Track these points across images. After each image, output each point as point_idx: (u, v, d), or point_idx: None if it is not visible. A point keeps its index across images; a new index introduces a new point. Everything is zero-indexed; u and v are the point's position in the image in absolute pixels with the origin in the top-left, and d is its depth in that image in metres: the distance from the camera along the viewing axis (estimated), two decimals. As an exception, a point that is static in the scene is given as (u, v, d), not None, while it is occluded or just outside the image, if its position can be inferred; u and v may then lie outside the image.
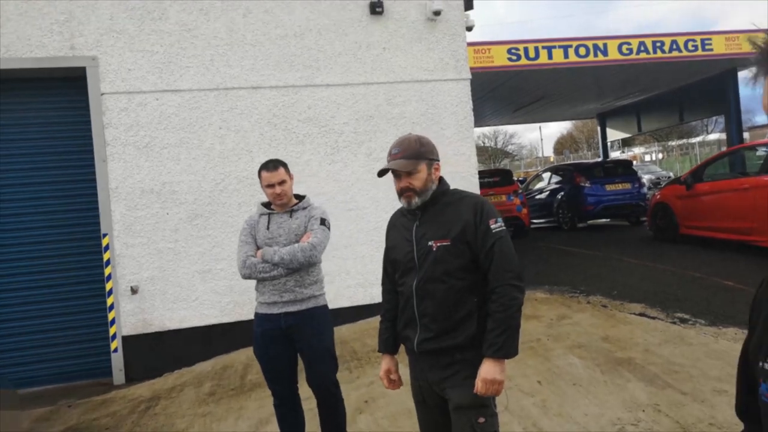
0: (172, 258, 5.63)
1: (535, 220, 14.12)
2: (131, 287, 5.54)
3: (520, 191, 12.40)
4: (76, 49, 5.47)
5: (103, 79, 5.52)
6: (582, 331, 5.17)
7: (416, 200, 2.14)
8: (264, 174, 3.01)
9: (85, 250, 5.63)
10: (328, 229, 3.08)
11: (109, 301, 5.52)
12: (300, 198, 3.18)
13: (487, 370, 2.00)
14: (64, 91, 5.64)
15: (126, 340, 5.57)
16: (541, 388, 4.02)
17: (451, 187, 2.25)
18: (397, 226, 2.29)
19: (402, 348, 2.32)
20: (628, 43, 10.14)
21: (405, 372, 2.32)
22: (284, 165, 3.07)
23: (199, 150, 5.73)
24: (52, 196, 5.60)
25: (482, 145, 47.95)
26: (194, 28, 5.74)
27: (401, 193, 2.17)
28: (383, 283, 2.38)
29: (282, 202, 3.04)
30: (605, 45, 10.08)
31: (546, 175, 14.84)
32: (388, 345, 2.33)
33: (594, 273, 7.57)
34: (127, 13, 5.59)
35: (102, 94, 5.51)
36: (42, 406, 5.02)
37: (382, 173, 2.16)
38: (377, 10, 6.08)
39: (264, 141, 5.86)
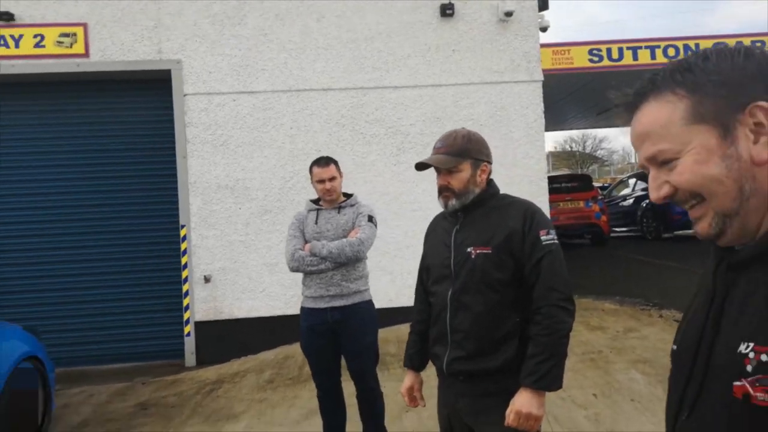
0: (242, 250, 5.92)
1: (616, 229, 13.50)
2: (204, 276, 5.88)
3: (600, 197, 11.90)
4: (163, 53, 5.90)
5: (186, 81, 5.90)
6: (649, 345, 4.91)
7: (453, 202, 1.94)
8: (315, 169, 3.11)
9: (165, 239, 6.05)
10: (375, 226, 3.15)
11: (184, 288, 5.90)
12: (348, 196, 3.26)
13: (523, 401, 1.75)
14: (150, 92, 6.09)
15: (198, 325, 5.92)
16: (596, 401, 3.88)
17: (509, 192, 2.04)
18: (437, 230, 2.10)
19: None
20: (723, 44, 9.44)
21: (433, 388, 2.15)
22: (335, 162, 3.16)
23: (270, 149, 5.99)
24: (137, 189, 6.06)
25: (569, 149, 46.32)
26: (270, 32, 6.01)
27: (439, 192, 1.98)
28: (416, 292, 2.19)
29: (331, 198, 3.14)
30: (697, 45, 9.45)
31: (631, 182, 14.13)
32: (414, 360, 2.14)
33: (671, 285, 7.14)
34: (210, 18, 5.95)
35: (185, 95, 5.90)
36: (120, 382, 5.45)
37: (420, 167, 1.98)
38: (448, 12, 6.08)
39: (332, 141, 6.03)
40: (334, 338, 3.11)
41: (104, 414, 4.59)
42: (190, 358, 5.90)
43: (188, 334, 5.92)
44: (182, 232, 5.88)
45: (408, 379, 2.15)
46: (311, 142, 6.02)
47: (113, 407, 4.75)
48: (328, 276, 3.06)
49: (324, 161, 3.13)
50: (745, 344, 0.72)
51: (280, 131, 6.01)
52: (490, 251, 1.87)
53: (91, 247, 6.01)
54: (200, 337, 5.92)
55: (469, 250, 1.91)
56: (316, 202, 3.25)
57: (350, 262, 3.05)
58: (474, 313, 1.87)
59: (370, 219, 3.12)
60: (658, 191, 0.81)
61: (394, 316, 5.35)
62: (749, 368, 0.70)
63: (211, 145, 5.92)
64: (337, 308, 3.07)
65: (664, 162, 0.79)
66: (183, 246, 5.89)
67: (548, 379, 1.76)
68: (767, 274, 0.75)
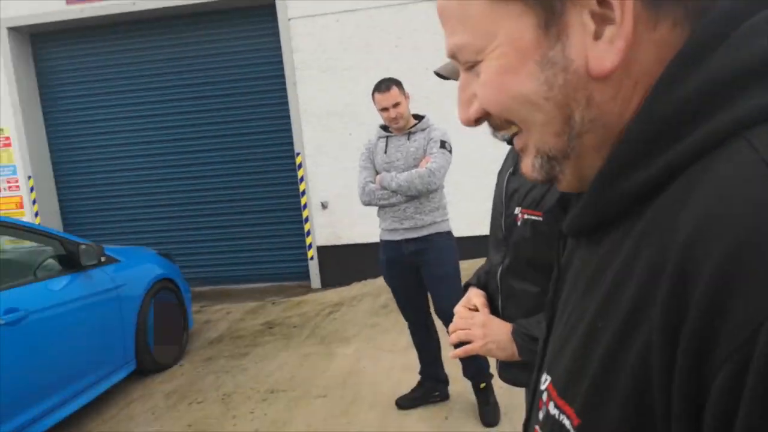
0: (355, 176, 5.92)
1: None
2: (321, 203, 6.04)
3: None
4: (266, -22, 5.84)
5: (289, 4, 5.82)
6: None
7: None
8: (376, 96, 2.87)
9: (283, 167, 6.27)
10: (450, 152, 2.87)
11: (304, 214, 6.13)
12: (419, 118, 2.99)
13: (497, 328, 1.30)
14: (256, 19, 6.11)
15: (320, 250, 6.18)
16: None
17: None
18: (502, 171, 1.48)
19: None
20: None
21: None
22: (398, 84, 2.86)
23: (376, 71, 5.77)
24: (254, 119, 6.27)
25: None
26: (370, -59, 5.63)
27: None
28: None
29: (398, 126, 2.90)
30: None
31: None
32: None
33: None
34: (308, -65, 5.72)
35: (289, 20, 5.84)
36: (255, 301, 5.95)
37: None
38: None
39: (439, 58, 5.63)
40: (415, 271, 2.99)
41: (236, 330, 5.05)
42: (315, 280, 6.23)
43: (312, 258, 6.21)
44: (298, 160, 6.04)
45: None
46: (416, 59, 5.69)
47: (244, 325, 5.20)
48: (401, 209, 2.89)
49: (384, 86, 2.85)
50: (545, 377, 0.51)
51: (384, 51, 5.75)
52: (540, 218, 1.28)
53: (217, 176, 6.42)
54: (323, 261, 6.19)
55: (516, 211, 1.34)
56: (385, 128, 3.04)
57: (422, 195, 2.85)
58: (524, 308, 1.31)
59: (443, 145, 2.84)
60: (465, 109, 0.52)
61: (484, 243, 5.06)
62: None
63: (318, 71, 5.87)
64: (412, 240, 2.91)
65: (469, 65, 0.50)
66: (300, 173, 6.06)
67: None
68: (593, 253, 0.49)
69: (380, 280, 5.92)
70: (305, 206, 6.11)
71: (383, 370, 3.84)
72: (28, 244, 4.07)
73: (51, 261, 3.54)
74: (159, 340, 4.16)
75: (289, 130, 6.05)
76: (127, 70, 6.37)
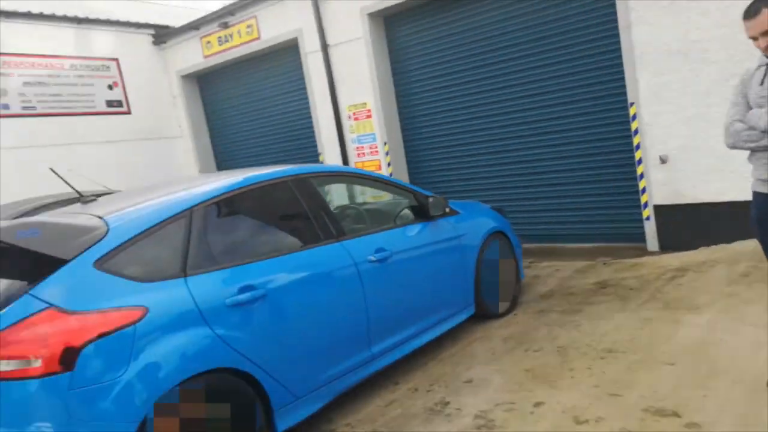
0: (703, 126, 5.14)
1: None
2: (660, 157, 5.44)
3: None
4: None
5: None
6: None
7: None
8: (745, 23, 2.34)
9: (614, 120, 5.83)
10: None
11: (639, 170, 5.62)
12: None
13: None
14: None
15: (657, 209, 5.60)
16: None
17: None
18: None
19: None
20: None
21: None
22: None
23: (734, -6, 4.84)
24: (581, 71, 5.95)
25: None
26: None
27: None
28: None
29: (772, 56, 2.31)
30: None
31: None
32: None
33: None
34: None
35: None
36: (583, 260, 5.77)
37: None
38: None
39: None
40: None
41: (567, 288, 4.99)
42: (652, 242, 5.69)
43: (648, 218, 5.68)
44: (631, 111, 5.53)
45: None
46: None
47: (575, 282, 5.10)
48: (773, 155, 2.35)
49: (752, 10, 2.30)
50: None
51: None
52: None
53: (546, 133, 6.35)
54: (660, 222, 5.60)
55: None
56: (769, 55, 2.47)
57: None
58: None
59: None
60: None
61: None
62: None
63: (658, 8, 5.22)
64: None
65: None
66: (633, 125, 5.55)
67: None
68: None
69: (737, 246, 5.09)
70: (640, 161, 5.59)
71: (746, 344, 3.28)
72: (385, 198, 4.75)
73: (406, 211, 4.05)
74: (493, 289, 4.40)
75: (621, 79, 5.57)
76: (461, 40, 6.79)
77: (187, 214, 2.76)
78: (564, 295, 4.81)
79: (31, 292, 2.23)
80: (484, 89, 6.71)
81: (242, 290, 2.74)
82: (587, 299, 4.60)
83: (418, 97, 7.35)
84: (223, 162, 10.18)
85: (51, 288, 2.26)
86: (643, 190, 5.64)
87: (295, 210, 3.31)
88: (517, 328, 4.21)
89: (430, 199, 3.96)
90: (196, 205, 2.82)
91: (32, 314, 2.18)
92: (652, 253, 5.63)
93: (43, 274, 2.28)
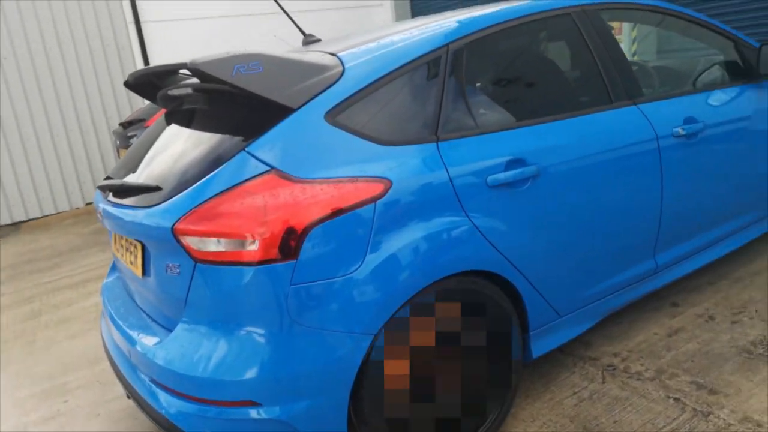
0: None
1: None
2: None
3: None
4: None
5: None
6: None
7: None
8: None
9: None
10: None
11: None
12: None
13: None
14: None
15: None
16: None
17: None
18: None
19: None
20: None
21: None
22: None
23: None
24: None
25: None
26: None
27: None
28: None
29: None
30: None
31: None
32: None
33: None
34: None
35: None
36: None
37: None
38: None
39: None
40: None
41: None
42: None
43: None
44: None
45: None
46: None
47: None
48: None
49: None
50: None
51: None
52: None
53: None
54: None
55: None
56: None
57: None
58: None
59: None
60: None
61: None
62: None
63: None
64: None
65: None
66: None
67: None
68: None
69: None
70: None
71: None
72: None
73: (715, 69, 2.82)
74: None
75: None
76: None
77: (443, 51, 1.93)
78: None
79: (247, 148, 1.63)
80: None
81: (510, 165, 1.92)
82: None
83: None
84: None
85: (273, 145, 1.64)
86: None
87: (579, 56, 2.31)
88: None
89: (765, 48, 2.65)
90: (454, 40, 1.97)
91: (249, 179, 1.59)
92: None
93: (264, 126, 1.66)
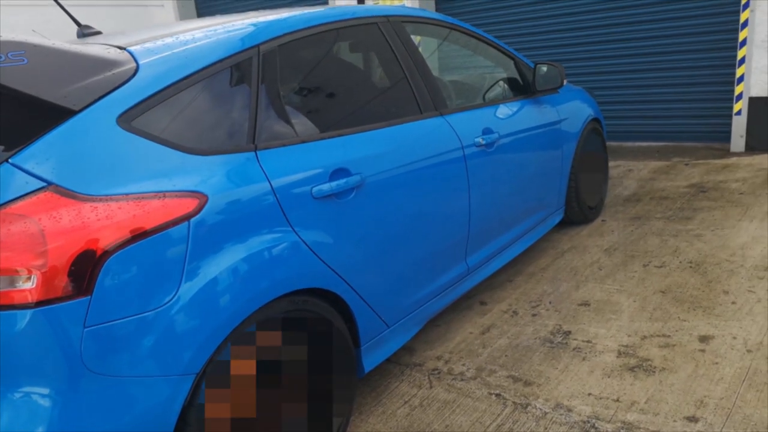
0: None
1: None
2: (772, 37, 4.51)
3: None
4: None
5: None
6: None
7: None
8: None
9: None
10: None
11: (740, 53, 4.69)
12: None
13: None
14: None
15: (753, 102, 4.75)
16: None
17: None
18: None
19: None
20: None
21: None
22: None
23: None
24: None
25: None
26: None
27: None
28: None
29: None
30: None
31: None
32: None
33: None
34: None
35: None
36: (653, 161, 4.97)
37: None
38: None
39: None
40: None
41: (655, 191, 4.20)
42: (737, 141, 4.89)
43: (738, 113, 4.84)
44: (746, -22, 4.52)
45: None
46: None
47: (662, 185, 4.31)
48: None
49: None
50: None
51: None
52: None
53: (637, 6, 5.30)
54: (753, 117, 4.78)
55: None
56: None
57: None
58: None
59: None
60: None
61: None
62: None
63: None
64: None
65: None
66: (744, -2, 4.57)
67: None
68: None
69: None
70: (743, 43, 4.65)
71: None
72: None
73: (499, 86, 3.09)
74: (586, 187, 3.58)
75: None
76: None
77: (254, 53, 1.76)
78: (656, 199, 4.04)
79: (12, 159, 1.27)
80: None
81: (334, 175, 1.82)
82: (690, 204, 3.83)
83: None
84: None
85: (48, 156, 1.30)
86: (740, 79, 4.75)
87: (389, 66, 2.31)
88: (613, 237, 3.45)
89: (543, 68, 2.98)
90: (264, 41, 1.81)
91: (16, 198, 1.24)
92: (736, 154, 4.85)
93: (36, 132, 1.31)
